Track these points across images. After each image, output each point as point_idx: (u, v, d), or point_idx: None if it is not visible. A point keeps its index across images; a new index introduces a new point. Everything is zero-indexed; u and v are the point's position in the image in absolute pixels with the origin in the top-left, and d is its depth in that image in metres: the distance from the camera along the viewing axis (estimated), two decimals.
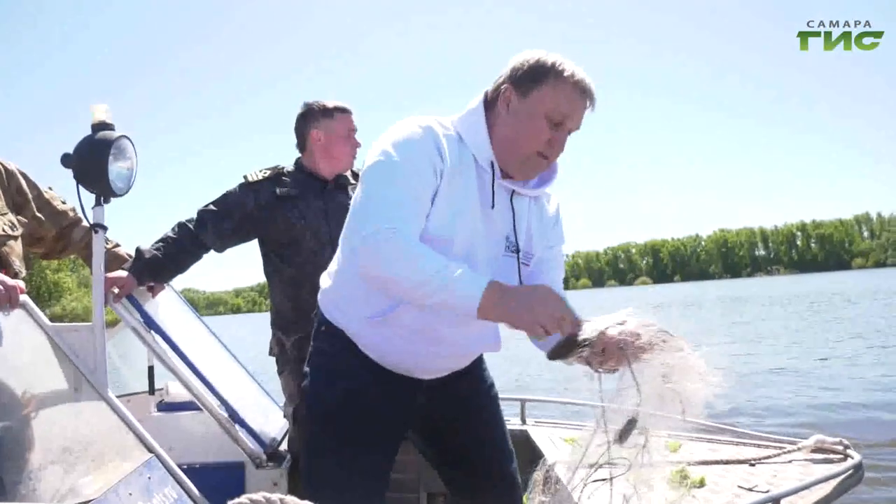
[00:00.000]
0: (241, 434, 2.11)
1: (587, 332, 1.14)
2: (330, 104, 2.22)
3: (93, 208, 1.52)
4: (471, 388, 1.50)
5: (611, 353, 1.13)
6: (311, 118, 2.23)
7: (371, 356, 1.37)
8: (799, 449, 1.64)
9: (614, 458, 1.15)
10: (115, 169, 1.49)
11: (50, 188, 1.97)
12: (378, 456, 1.36)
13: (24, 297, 1.43)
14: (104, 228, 1.53)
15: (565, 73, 1.25)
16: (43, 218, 1.90)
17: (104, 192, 1.50)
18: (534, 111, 1.25)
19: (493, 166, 1.29)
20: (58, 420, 1.31)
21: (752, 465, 1.62)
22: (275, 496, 0.74)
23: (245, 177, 2.21)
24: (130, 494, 1.26)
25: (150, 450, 1.46)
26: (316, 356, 1.43)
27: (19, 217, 1.82)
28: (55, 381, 1.42)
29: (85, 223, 2.05)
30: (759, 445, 1.76)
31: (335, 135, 2.20)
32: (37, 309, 1.45)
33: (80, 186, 1.50)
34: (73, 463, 1.21)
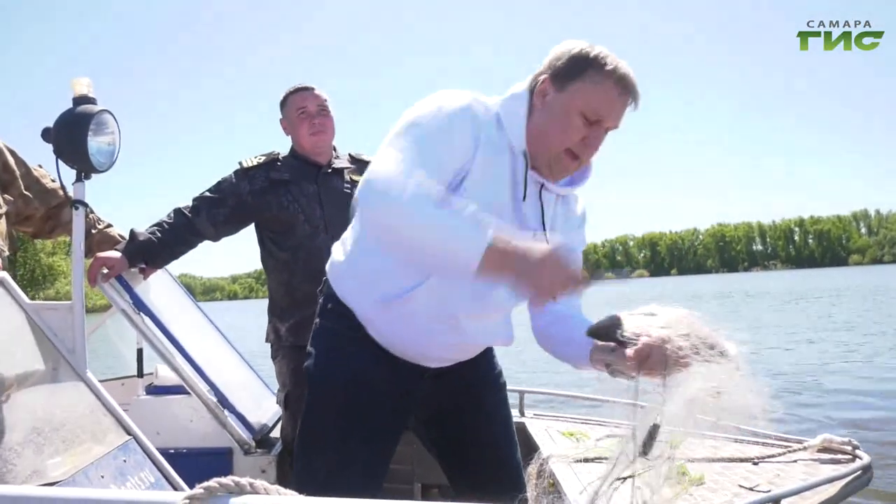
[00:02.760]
0: (230, 419, 2.09)
1: (630, 329, 1.05)
2: (287, 90, 2.21)
3: (73, 184, 1.47)
4: (477, 375, 1.45)
5: (656, 361, 1.02)
6: (281, 110, 2.23)
7: (378, 341, 1.31)
8: (805, 448, 1.59)
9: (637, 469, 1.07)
10: (96, 144, 1.44)
11: (40, 166, 1.93)
12: (378, 443, 1.31)
13: (2, 274, 1.40)
14: (84, 205, 1.49)
15: (607, 68, 1.16)
16: (31, 196, 1.87)
17: (84, 167, 1.45)
18: (569, 107, 1.18)
19: (525, 156, 1.23)
20: (31, 400, 1.27)
21: (755, 463, 1.57)
22: (244, 480, 0.73)
23: (240, 163, 2.18)
24: (102, 477, 1.22)
25: (129, 432, 1.43)
26: (320, 335, 1.36)
27: (5, 195, 1.79)
28: (32, 361, 1.38)
29: None
30: (763, 444, 1.71)
31: (290, 119, 2.19)
32: (15, 286, 1.42)
33: (61, 162, 1.45)
34: (42, 444, 1.17)
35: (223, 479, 0.73)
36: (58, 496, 0.85)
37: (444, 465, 1.51)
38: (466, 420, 1.44)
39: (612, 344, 1.10)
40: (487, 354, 1.48)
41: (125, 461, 1.34)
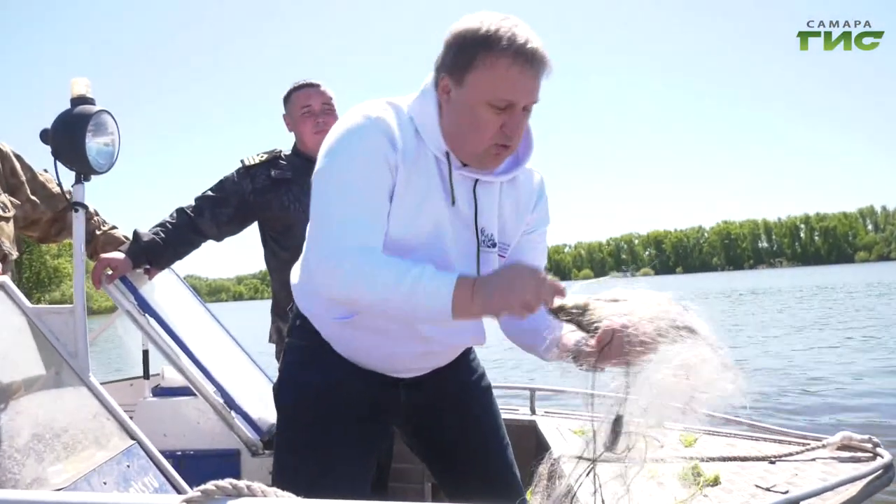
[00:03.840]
0: (237, 421, 2.06)
1: (595, 315, 1.01)
2: (292, 86, 2.17)
3: (73, 186, 1.45)
4: (458, 380, 1.40)
5: (615, 349, 0.98)
6: (283, 105, 2.19)
7: (344, 356, 1.28)
8: (824, 446, 1.55)
9: (611, 456, 1.01)
10: (95, 145, 1.43)
11: (45, 170, 1.93)
12: (355, 455, 1.27)
13: (3, 278, 1.39)
14: (84, 207, 1.47)
15: (501, 45, 1.04)
16: (37, 201, 1.88)
17: (83, 168, 1.44)
18: (473, 102, 1.08)
19: (448, 157, 1.15)
20: (32, 406, 1.24)
21: (772, 462, 1.53)
22: (242, 482, 0.73)
23: (242, 161, 2.16)
24: (104, 483, 1.19)
25: (133, 437, 1.40)
26: (290, 352, 1.34)
27: (12, 199, 1.80)
28: (34, 365, 1.36)
29: None
30: (780, 441, 1.67)
31: (293, 117, 2.15)
32: (16, 290, 1.40)
33: (59, 164, 1.44)
34: (43, 451, 1.15)
35: (220, 482, 0.73)
36: (56, 501, 0.83)
37: (435, 470, 1.47)
38: (452, 424, 1.39)
39: (575, 329, 1.05)
40: (467, 356, 1.43)
41: (129, 466, 1.31)
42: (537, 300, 1.01)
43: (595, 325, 1.01)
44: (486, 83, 1.06)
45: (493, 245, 1.24)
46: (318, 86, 2.15)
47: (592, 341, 1.00)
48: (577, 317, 1.03)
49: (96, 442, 1.30)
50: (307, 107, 2.11)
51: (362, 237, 1.08)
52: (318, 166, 1.15)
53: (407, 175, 1.13)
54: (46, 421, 1.22)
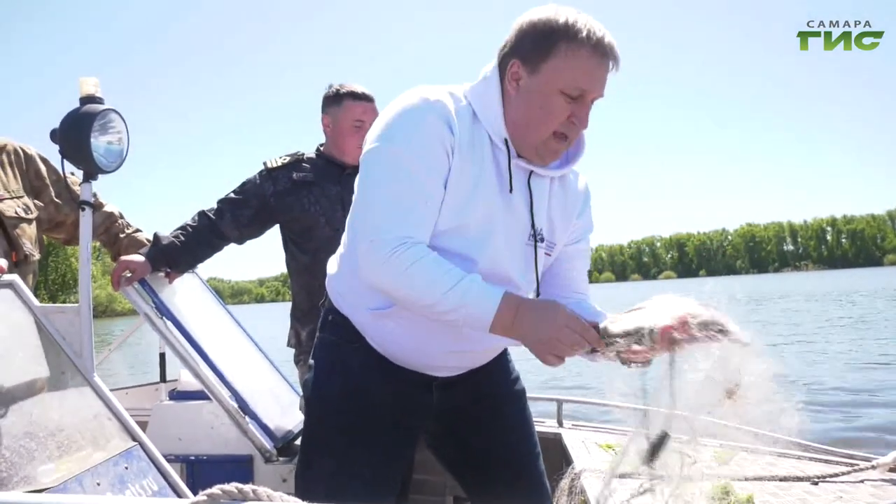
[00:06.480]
0: (252, 426, 2.05)
1: (646, 321, 0.99)
2: (344, 89, 2.07)
3: (80, 185, 1.46)
4: (492, 383, 1.37)
5: (662, 343, 0.97)
6: (325, 103, 2.11)
7: (378, 350, 1.25)
8: (874, 467, 1.45)
9: (651, 472, 0.99)
10: (102, 144, 1.42)
11: (72, 173, 1.93)
12: (382, 458, 1.24)
13: (11, 277, 1.38)
14: (90, 206, 1.48)
15: (580, 36, 1.07)
16: (61, 203, 1.90)
17: (89, 167, 1.42)
18: (547, 88, 1.09)
19: (507, 144, 1.14)
20: (31, 404, 1.22)
21: (815, 483, 1.43)
22: (248, 486, 0.73)
23: (265, 163, 2.13)
24: (98, 484, 1.16)
25: (135, 438, 1.37)
26: (321, 348, 1.31)
27: (36, 201, 1.82)
28: (39, 364, 1.34)
29: (107, 208, 2.03)
30: (825, 461, 1.57)
31: (339, 125, 2.06)
32: (26, 289, 1.39)
33: (67, 162, 1.43)
34: (34, 450, 1.12)
35: (226, 486, 0.73)
36: (53, 502, 0.79)
37: (460, 477, 1.44)
38: (484, 430, 1.36)
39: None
40: (502, 360, 1.39)
41: (126, 468, 1.28)
42: (569, 353, 1.03)
43: (645, 327, 0.99)
44: (563, 71, 1.08)
45: (542, 240, 1.22)
46: (373, 101, 2.07)
47: (657, 328, 0.98)
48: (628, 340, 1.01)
49: (94, 442, 1.27)
50: (360, 122, 2.02)
51: (411, 227, 1.06)
52: (368, 147, 1.12)
53: (461, 162, 1.11)
54: (43, 420, 1.19)
